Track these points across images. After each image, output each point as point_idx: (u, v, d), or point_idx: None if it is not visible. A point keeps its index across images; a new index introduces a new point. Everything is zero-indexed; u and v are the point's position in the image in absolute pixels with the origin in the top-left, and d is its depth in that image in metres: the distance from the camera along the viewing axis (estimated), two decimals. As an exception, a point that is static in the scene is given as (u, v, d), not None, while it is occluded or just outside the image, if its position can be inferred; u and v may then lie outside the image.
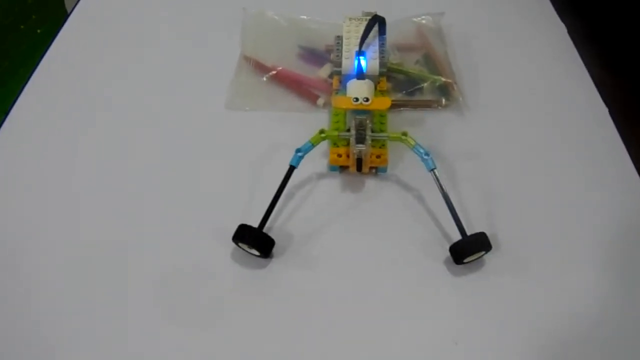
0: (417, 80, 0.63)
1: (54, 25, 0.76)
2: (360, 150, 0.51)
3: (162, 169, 0.56)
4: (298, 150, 0.50)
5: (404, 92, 0.62)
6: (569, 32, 0.73)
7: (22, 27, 1.17)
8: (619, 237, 0.52)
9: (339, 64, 0.57)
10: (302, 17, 0.70)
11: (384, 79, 0.60)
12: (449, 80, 0.63)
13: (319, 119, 0.60)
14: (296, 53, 0.67)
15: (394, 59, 0.65)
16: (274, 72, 0.63)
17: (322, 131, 0.51)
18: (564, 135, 0.60)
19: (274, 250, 0.50)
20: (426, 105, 0.62)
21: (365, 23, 0.56)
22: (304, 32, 0.68)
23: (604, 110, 0.63)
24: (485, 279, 0.49)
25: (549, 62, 0.69)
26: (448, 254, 0.49)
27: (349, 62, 0.56)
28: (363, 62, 0.54)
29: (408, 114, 0.61)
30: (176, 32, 0.72)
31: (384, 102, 0.51)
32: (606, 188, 0.56)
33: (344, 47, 0.57)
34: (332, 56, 0.60)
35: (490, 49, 0.70)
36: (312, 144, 0.51)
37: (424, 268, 0.49)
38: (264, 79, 0.63)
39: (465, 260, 0.48)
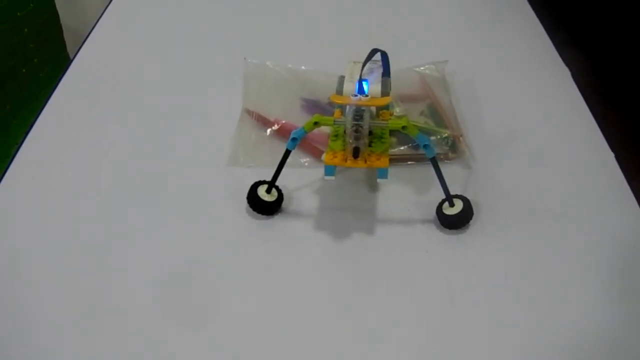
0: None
1: (56, 69, 0.76)
2: (357, 129, 0.50)
3: (161, 230, 0.55)
4: (294, 134, 0.52)
5: (409, 145, 0.61)
6: (573, 77, 0.72)
7: (23, 70, 1.16)
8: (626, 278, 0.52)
9: (341, 93, 0.55)
10: (304, 68, 0.69)
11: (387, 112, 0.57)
12: (456, 134, 0.62)
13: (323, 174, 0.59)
14: (299, 105, 0.66)
15: (398, 111, 0.64)
16: (277, 126, 0.63)
17: (316, 120, 0.52)
18: (572, 184, 0.60)
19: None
20: (432, 158, 0.61)
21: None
22: (307, 83, 0.68)
23: (610, 155, 0.62)
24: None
25: (554, 108, 0.69)
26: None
27: (351, 85, 0.54)
28: (364, 87, 0.54)
29: (414, 168, 0.60)
30: (177, 82, 0.72)
31: (384, 99, 0.51)
32: (615, 234, 0.55)
33: (347, 77, 0.56)
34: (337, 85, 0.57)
35: (494, 96, 0.70)
36: (305, 131, 0.52)
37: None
38: (267, 133, 0.62)
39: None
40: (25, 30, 1.13)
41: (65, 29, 1.21)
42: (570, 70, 0.74)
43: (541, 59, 0.77)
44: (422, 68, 0.69)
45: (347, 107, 0.52)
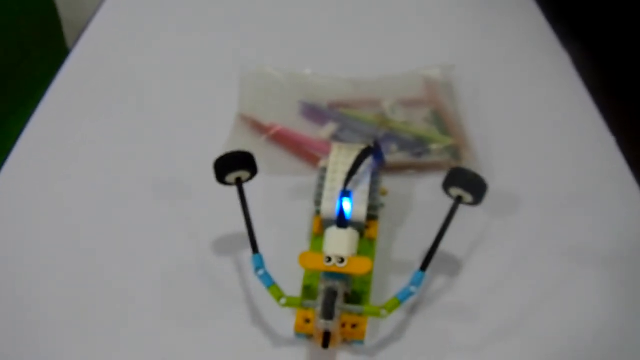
0: (424, 141, 0.59)
1: (55, 63, 0.75)
2: (326, 327, 0.41)
3: (161, 228, 0.54)
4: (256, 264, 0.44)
5: (410, 152, 0.59)
6: (574, 63, 0.72)
7: (23, 65, 1.15)
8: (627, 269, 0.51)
9: (320, 203, 0.48)
10: (303, 70, 0.67)
11: (375, 223, 0.50)
12: (459, 142, 0.59)
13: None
14: (297, 109, 0.63)
15: (400, 116, 0.61)
16: (272, 132, 0.60)
17: (283, 297, 0.43)
18: (574, 171, 0.59)
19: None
20: (434, 167, 0.58)
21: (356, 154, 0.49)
22: (306, 87, 0.65)
23: (621, 164, 0.60)
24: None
25: (555, 97, 0.67)
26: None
27: (331, 205, 0.47)
28: (347, 206, 0.46)
29: (414, 177, 0.58)
30: (177, 74, 0.71)
31: (364, 265, 0.42)
32: (617, 223, 0.54)
33: (327, 185, 0.48)
34: (314, 197, 0.49)
35: (497, 93, 0.68)
36: (268, 290, 0.43)
37: None
38: (262, 139, 0.60)
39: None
40: (25, 23, 1.11)
41: (64, 23, 1.19)
42: (571, 57, 0.73)
43: (543, 49, 0.75)
44: (427, 72, 0.66)
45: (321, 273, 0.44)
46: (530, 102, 0.67)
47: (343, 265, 0.41)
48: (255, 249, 0.45)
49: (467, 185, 0.47)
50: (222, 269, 0.50)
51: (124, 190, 0.57)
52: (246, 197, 0.47)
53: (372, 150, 0.50)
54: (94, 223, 0.54)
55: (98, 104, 0.67)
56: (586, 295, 0.49)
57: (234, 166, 0.48)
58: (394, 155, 0.58)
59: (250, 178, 0.49)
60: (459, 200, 0.47)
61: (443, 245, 0.45)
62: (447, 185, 0.48)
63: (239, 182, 0.48)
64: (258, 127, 0.61)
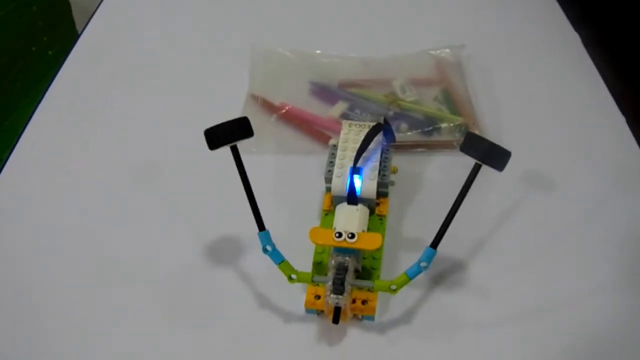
0: (434, 120, 0.59)
1: (65, 47, 0.75)
2: (337, 302, 0.41)
3: (162, 207, 0.54)
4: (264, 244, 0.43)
5: (420, 131, 0.59)
6: (585, 46, 0.71)
7: (33, 49, 1.15)
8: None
9: (330, 180, 0.48)
10: (313, 50, 0.67)
11: (386, 200, 0.50)
12: (469, 121, 0.59)
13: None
14: (307, 89, 0.63)
15: (410, 95, 0.61)
16: (282, 111, 0.60)
17: (293, 274, 0.43)
18: (589, 165, 0.57)
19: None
20: (444, 146, 0.58)
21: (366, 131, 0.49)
22: (316, 67, 0.65)
23: (632, 143, 0.59)
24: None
25: (569, 81, 0.66)
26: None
27: (341, 182, 0.47)
28: (358, 182, 0.46)
29: (424, 156, 0.58)
30: (183, 64, 0.70)
31: (374, 241, 0.41)
32: (628, 200, 0.53)
33: (337, 161, 0.48)
34: (325, 174, 0.49)
35: (508, 74, 0.67)
36: (278, 267, 0.43)
37: None
38: (273, 118, 0.60)
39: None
40: (34, 8, 1.11)
41: (74, 7, 1.19)
42: (582, 40, 0.72)
43: (553, 29, 0.74)
44: (437, 52, 0.66)
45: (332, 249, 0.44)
46: (539, 81, 0.66)
47: (353, 240, 0.41)
48: (261, 226, 0.43)
49: (485, 154, 0.41)
50: (230, 250, 0.50)
51: (131, 175, 0.57)
52: (251, 178, 0.45)
53: (382, 127, 0.50)
54: (99, 210, 0.54)
55: (107, 87, 0.67)
56: (596, 283, 0.48)
57: (226, 138, 0.44)
58: (404, 133, 0.58)
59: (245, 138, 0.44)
60: (478, 166, 0.42)
61: (453, 225, 0.43)
62: (465, 150, 0.42)
63: (234, 148, 0.44)
64: (268, 107, 0.61)
